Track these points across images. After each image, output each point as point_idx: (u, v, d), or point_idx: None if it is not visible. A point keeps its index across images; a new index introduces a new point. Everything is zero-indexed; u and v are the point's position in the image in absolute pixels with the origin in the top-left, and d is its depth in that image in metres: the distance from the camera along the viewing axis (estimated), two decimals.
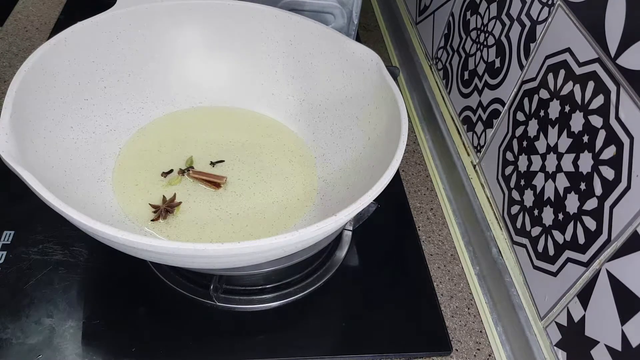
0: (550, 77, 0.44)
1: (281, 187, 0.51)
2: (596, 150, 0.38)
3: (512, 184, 0.49)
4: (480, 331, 0.48)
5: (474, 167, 0.56)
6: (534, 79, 0.46)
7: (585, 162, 0.39)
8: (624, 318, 0.34)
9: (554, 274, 0.42)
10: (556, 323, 0.41)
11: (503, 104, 0.51)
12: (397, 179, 0.60)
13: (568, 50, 0.41)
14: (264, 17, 0.54)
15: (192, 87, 0.57)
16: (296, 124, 0.56)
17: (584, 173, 0.39)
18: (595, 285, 0.37)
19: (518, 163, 0.48)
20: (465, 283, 0.52)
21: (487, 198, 0.53)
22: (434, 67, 0.68)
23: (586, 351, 0.38)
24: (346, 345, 0.45)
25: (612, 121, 0.36)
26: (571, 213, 0.40)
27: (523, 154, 0.47)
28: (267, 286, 0.48)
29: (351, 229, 0.52)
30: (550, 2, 0.44)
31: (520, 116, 0.48)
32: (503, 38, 0.51)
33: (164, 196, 0.49)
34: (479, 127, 0.55)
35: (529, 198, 0.46)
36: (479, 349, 0.47)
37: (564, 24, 0.42)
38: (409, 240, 0.54)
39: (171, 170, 0.51)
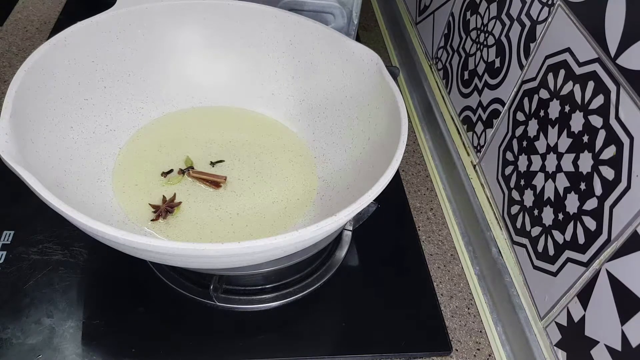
0: (550, 77, 0.44)
1: (281, 187, 0.51)
2: (596, 150, 0.38)
3: (512, 184, 0.49)
4: (480, 331, 0.48)
5: (474, 167, 0.56)
6: (534, 79, 0.46)
7: (585, 162, 0.39)
8: (624, 318, 0.34)
9: (554, 274, 0.42)
10: (556, 323, 0.41)
11: (503, 104, 0.51)
12: (397, 179, 0.60)
13: (568, 50, 0.41)
14: (264, 17, 0.54)
15: (192, 87, 0.57)
16: (296, 124, 0.56)
17: (584, 173, 0.39)
18: (595, 285, 0.37)
19: (518, 163, 0.48)
20: (465, 283, 0.52)
21: (487, 198, 0.53)
22: (434, 67, 0.68)
23: (586, 351, 0.38)
24: (346, 345, 0.45)
25: (612, 121, 0.36)
26: (571, 213, 0.40)
27: (523, 154, 0.47)
28: (267, 286, 0.48)
29: (351, 229, 0.52)
30: (550, 2, 0.44)
31: (520, 116, 0.48)
32: (503, 38, 0.51)
33: (164, 196, 0.49)
34: (479, 127, 0.55)
35: (529, 198, 0.46)
36: (479, 349, 0.47)
37: (564, 24, 0.42)
38: (409, 240, 0.54)
39: (171, 170, 0.51)
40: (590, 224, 0.38)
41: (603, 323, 0.36)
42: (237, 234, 0.46)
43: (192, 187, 0.50)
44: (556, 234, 0.42)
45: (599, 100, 0.38)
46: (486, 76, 0.54)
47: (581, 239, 0.39)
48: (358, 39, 0.59)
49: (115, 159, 0.51)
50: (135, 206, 0.48)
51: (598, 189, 0.37)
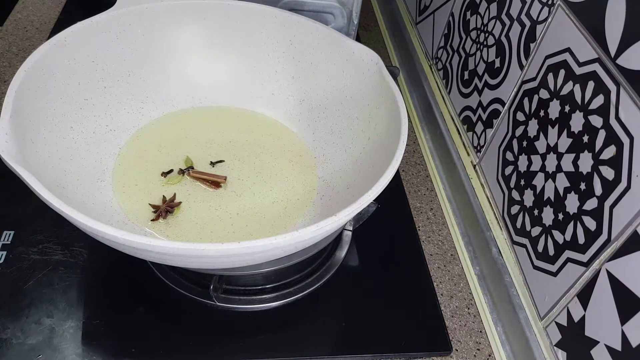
0: (550, 77, 0.44)
1: (281, 187, 0.51)
2: (596, 150, 0.38)
3: (512, 184, 0.49)
4: (480, 331, 0.48)
5: (474, 167, 0.56)
6: (534, 79, 0.46)
7: (585, 162, 0.39)
8: (624, 318, 0.34)
9: (554, 274, 0.42)
10: (556, 323, 0.41)
11: (503, 104, 0.51)
12: (397, 179, 0.60)
13: (568, 50, 0.41)
14: (264, 17, 0.54)
15: (192, 87, 0.57)
16: (296, 124, 0.56)
17: (584, 173, 0.39)
18: (595, 285, 0.37)
19: (518, 163, 0.48)
20: (465, 283, 0.52)
21: (487, 198, 0.53)
22: (434, 67, 0.68)
23: (586, 351, 0.38)
24: (346, 345, 0.45)
25: (612, 121, 0.36)
26: (571, 213, 0.40)
27: (523, 154, 0.47)
28: (267, 286, 0.48)
29: (351, 229, 0.52)
30: (550, 2, 0.44)
31: (520, 116, 0.48)
32: (503, 38, 0.51)
33: (164, 196, 0.49)
34: (479, 127, 0.55)
35: (529, 198, 0.46)
36: (479, 349, 0.47)
37: (564, 24, 0.42)
38: (409, 240, 0.54)
39: (171, 170, 0.51)
40: (590, 224, 0.38)
41: (603, 323, 0.36)
42: (237, 234, 0.46)
43: (192, 187, 0.50)
44: (556, 234, 0.42)
45: (599, 100, 0.38)
46: (486, 76, 0.54)
47: (581, 239, 0.39)
48: (358, 39, 0.59)
49: (115, 159, 0.51)
50: (135, 206, 0.48)
51: (598, 189, 0.37)
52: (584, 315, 0.38)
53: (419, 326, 0.47)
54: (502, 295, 0.48)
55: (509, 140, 0.49)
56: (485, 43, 0.54)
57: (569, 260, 0.40)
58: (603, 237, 0.37)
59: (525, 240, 0.46)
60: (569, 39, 0.41)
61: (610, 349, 0.36)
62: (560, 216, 0.41)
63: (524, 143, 0.47)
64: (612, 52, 0.36)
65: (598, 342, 0.37)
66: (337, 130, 0.53)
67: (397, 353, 0.45)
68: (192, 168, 0.51)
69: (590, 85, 0.39)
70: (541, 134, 0.44)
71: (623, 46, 0.35)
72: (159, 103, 0.55)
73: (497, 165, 0.51)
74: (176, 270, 0.47)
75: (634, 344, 0.34)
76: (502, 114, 0.51)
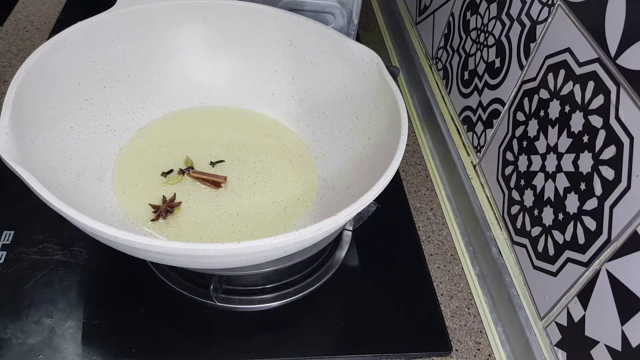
0: (550, 77, 0.44)
1: (281, 187, 0.51)
2: (596, 150, 0.38)
3: (512, 184, 0.49)
4: (480, 331, 0.48)
5: (474, 167, 0.56)
6: (534, 79, 0.46)
7: (585, 162, 0.39)
8: (624, 318, 0.34)
9: (554, 274, 0.42)
10: (556, 323, 0.41)
11: (503, 104, 0.51)
12: (397, 179, 0.60)
13: (568, 50, 0.41)
14: (264, 17, 0.54)
15: (192, 87, 0.57)
16: (296, 124, 0.56)
17: (584, 173, 0.39)
18: (595, 285, 0.37)
19: (518, 163, 0.48)
20: (465, 283, 0.52)
21: (487, 198, 0.53)
22: (434, 67, 0.68)
23: (586, 351, 0.38)
24: (346, 345, 0.45)
25: (612, 121, 0.36)
26: (571, 213, 0.40)
27: (523, 154, 0.47)
28: (267, 286, 0.48)
29: (351, 229, 0.52)
30: (550, 2, 0.44)
31: (520, 116, 0.48)
32: (503, 38, 0.51)
33: (164, 196, 0.49)
34: (479, 127, 0.55)
35: (529, 198, 0.46)
36: (479, 349, 0.47)
37: (564, 24, 0.42)
38: (409, 240, 0.54)
39: (171, 170, 0.51)
40: (590, 224, 0.38)
41: (603, 323, 0.36)
42: (237, 234, 0.46)
43: (192, 187, 0.50)
44: (556, 234, 0.42)
45: (599, 100, 0.38)
46: (486, 76, 0.54)
47: (581, 239, 0.39)
48: (358, 39, 0.59)
49: (115, 159, 0.51)
50: (135, 206, 0.48)
51: (598, 189, 0.37)
52: (584, 315, 0.38)
53: (419, 326, 0.47)
54: (502, 295, 0.48)
55: (509, 140, 0.49)
56: (485, 43, 0.54)
57: (569, 260, 0.40)
58: (603, 237, 0.37)
59: (525, 240, 0.46)
60: (569, 39, 0.41)
61: (610, 349, 0.36)
62: (560, 216, 0.41)
63: (524, 143, 0.47)
64: (612, 52, 0.36)
65: (598, 342, 0.37)
66: (337, 130, 0.53)
67: (397, 353, 0.45)
68: (192, 168, 0.51)
69: (590, 85, 0.39)
70: (541, 134, 0.44)
71: (623, 46, 0.35)
72: (159, 103, 0.55)
73: (497, 165, 0.51)
74: (176, 270, 0.47)
75: (634, 344, 0.34)
76: (502, 114, 0.51)
